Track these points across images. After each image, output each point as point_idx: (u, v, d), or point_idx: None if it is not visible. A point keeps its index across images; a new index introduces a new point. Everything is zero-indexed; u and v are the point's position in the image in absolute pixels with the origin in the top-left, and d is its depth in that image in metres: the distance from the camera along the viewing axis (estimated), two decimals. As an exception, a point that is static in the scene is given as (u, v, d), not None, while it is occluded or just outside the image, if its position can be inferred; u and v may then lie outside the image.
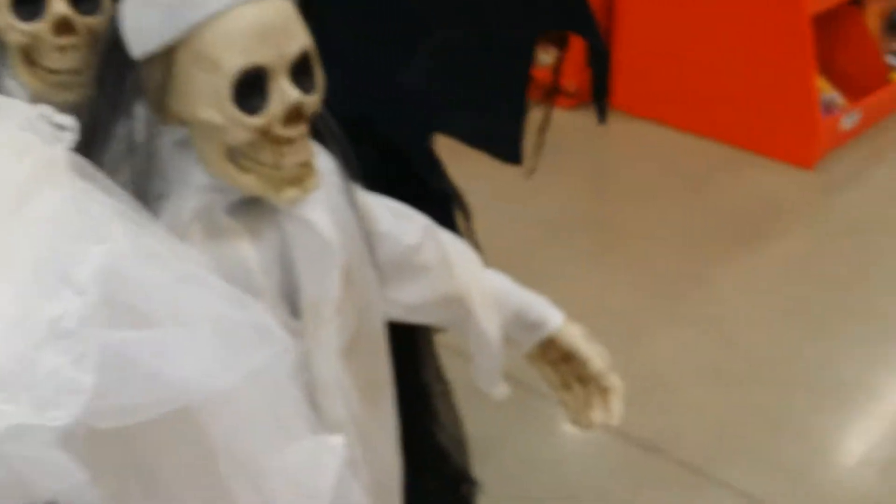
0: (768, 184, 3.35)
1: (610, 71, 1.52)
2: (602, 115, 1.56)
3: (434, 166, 1.54)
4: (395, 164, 1.53)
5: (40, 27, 1.26)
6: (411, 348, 1.65)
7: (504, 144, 1.57)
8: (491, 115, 1.51)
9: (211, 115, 1.00)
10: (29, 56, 1.29)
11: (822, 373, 2.46)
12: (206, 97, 0.99)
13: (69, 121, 0.76)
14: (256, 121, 0.99)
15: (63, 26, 1.26)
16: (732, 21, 3.48)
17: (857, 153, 3.51)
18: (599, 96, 1.55)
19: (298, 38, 1.01)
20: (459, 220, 1.60)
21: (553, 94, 1.53)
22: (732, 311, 2.71)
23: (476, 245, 1.51)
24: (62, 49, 1.27)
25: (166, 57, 0.99)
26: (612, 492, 2.13)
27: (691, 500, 2.12)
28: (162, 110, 1.03)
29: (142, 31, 0.99)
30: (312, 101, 1.04)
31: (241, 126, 1.00)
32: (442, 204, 1.54)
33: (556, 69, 1.53)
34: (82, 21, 1.27)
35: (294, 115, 1.01)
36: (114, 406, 0.56)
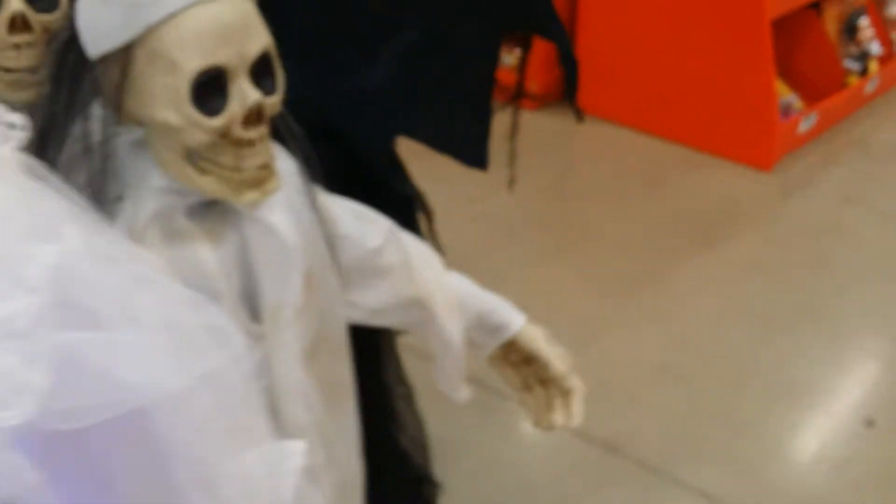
0: (726, 185, 3.38)
1: (579, 72, 1.53)
2: (578, 114, 1.57)
3: (396, 168, 1.54)
4: (355, 166, 1.52)
5: None
6: (372, 351, 1.65)
7: (469, 148, 1.57)
8: (455, 119, 1.51)
9: (169, 117, 0.98)
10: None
11: (776, 372, 2.50)
12: (164, 98, 0.98)
13: (20, 119, 0.75)
14: (215, 122, 0.98)
15: (18, 23, 1.23)
16: (692, 24, 3.51)
17: (813, 156, 3.56)
18: (571, 98, 1.56)
19: (258, 38, 1.00)
20: (422, 221, 1.59)
21: (519, 96, 1.53)
22: (688, 311, 2.74)
23: (438, 247, 1.51)
24: (17, 47, 1.24)
25: (123, 56, 0.97)
26: (571, 491, 2.15)
27: (650, 499, 2.14)
28: (119, 110, 1.01)
29: (98, 30, 0.97)
30: (273, 103, 1.02)
31: (200, 127, 0.98)
32: (403, 206, 1.53)
33: (521, 71, 1.53)
34: (38, 18, 1.25)
35: (254, 116, 1.00)
36: (66, 408, 0.55)
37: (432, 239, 1.56)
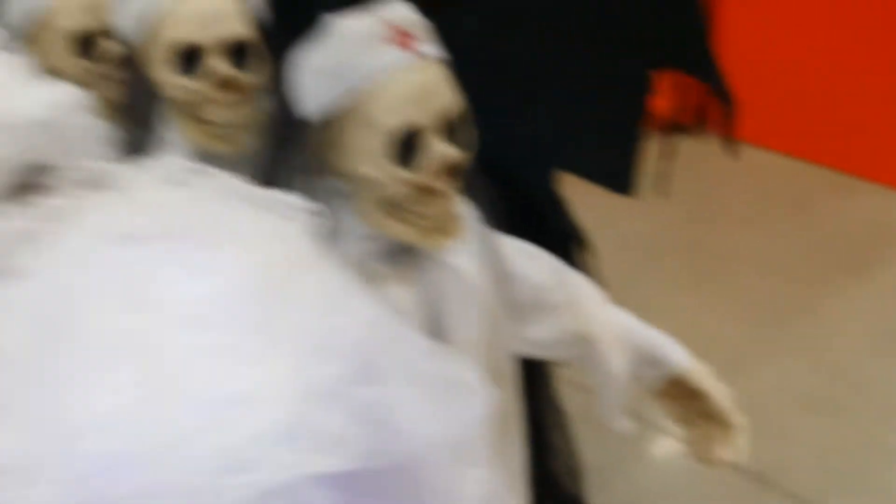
0: (876, 210, 3.31)
1: (735, 109, 1.57)
2: (733, 149, 1.61)
3: (557, 204, 1.61)
4: (517, 205, 1.60)
5: (201, 85, 1.37)
6: (528, 379, 1.71)
7: (618, 176, 1.63)
8: (606, 149, 1.58)
9: (369, 171, 1.08)
10: (191, 111, 1.40)
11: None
12: (366, 154, 1.08)
13: (301, 202, 0.85)
14: (413, 176, 1.07)
15: (229, 84, 1.36)
16: (841, 47, 3.46)
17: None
18: (729, 136, 1.60)
19: (451, 101, 1.09)
20: (582, 256, 1.65)
21: (675, 130, 1.59)
22: (838, 341, 2.70)
23: (599, 282, 1.57)
24: (227, 105, 1.37)
25: (330, 117, 1.08)
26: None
27: (802, 531, 2.12)
28: (323, 165, 1.12)
29: (310, 95, 1.08)
30: (465, 158, 1.11)
31: (398, 180, 1.08)
32: (564, 241, 1.60)
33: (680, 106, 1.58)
34: (246, 81, 1.38)
35: (450, 170, 1.09)
36: (362, 453, 0.64)
37: (593, 274, 1.62)
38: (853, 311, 2.82)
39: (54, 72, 1.39)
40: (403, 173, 1.08)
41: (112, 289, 0.60)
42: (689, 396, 1.41)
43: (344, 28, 1.05)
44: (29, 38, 1.51)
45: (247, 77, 1.38)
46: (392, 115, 1.06)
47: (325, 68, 1.06)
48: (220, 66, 1.36)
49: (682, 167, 3.49)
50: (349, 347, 0.66)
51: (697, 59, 1.52)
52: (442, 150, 1.08)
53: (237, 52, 1.37)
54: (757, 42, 3.70)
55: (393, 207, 1.11)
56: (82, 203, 0.71)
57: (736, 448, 1.39)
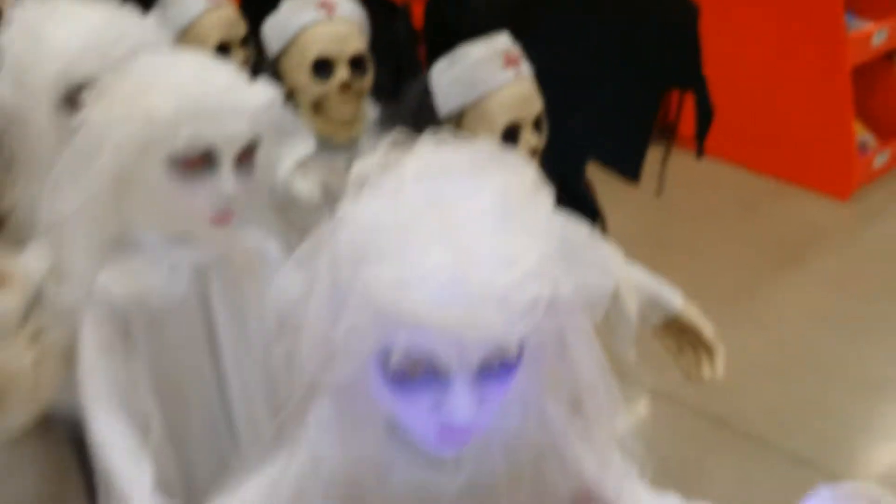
0: (809, 212, 3.86)
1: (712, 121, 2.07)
2: (700, 154, 2.11)
3: (587, 189, 2.09)
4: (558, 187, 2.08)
5: (329, 88, 1.82)
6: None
7: (630, 168, 2.12)
8: (624, 147, 2.07)
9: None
10: (318, 107, 1.84)
11: (857, 368, 2.96)
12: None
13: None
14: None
15: (346, 88, 1.81)
16: (781, 72, 3.97)
17: (886, 188, 4.03)
18: (701, 142, 2.10)
19: (538, 103, 1.56)
20: (604, 231, 2.13)
21: (672, 135, 2.09)
22: (781, 319, 3.21)
23: (613, 249, 2.04)
24: (344, 102, 1.82)
25: (458, 114, 1.53)
26: (685, 458, 2.63)
27: (751, 462, 2.61)
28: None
29: (447, 96, 1.53)
30: (542, 143, 1.57)
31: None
32: (591, 219, 2.07)
33: (677, 117, 2.08)
34: (358, 84, 1.83)
35: (533, 153, 1.55)
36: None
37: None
38: (793, 294, 3.35)
39: (294, 88, 1.79)
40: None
41: (421, 203, 0.99)
42: (683, 331, 1.88)
43: (473, 52, 1.51)
44: (280, 58, 1.86)
45: (361, 82, 1.83)
46: (504, 114, 1.51)
47: (460, 79, 1.51)
48: (344, 73, 1.81)
49: (649, 174, 4.03)
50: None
51: (693, 75, 2.02)
52: (531, 139, 1.54)
53: (356, 63, 1.82)
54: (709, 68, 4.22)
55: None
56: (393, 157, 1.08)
57: (717, 369, 1.86)
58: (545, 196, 1.01)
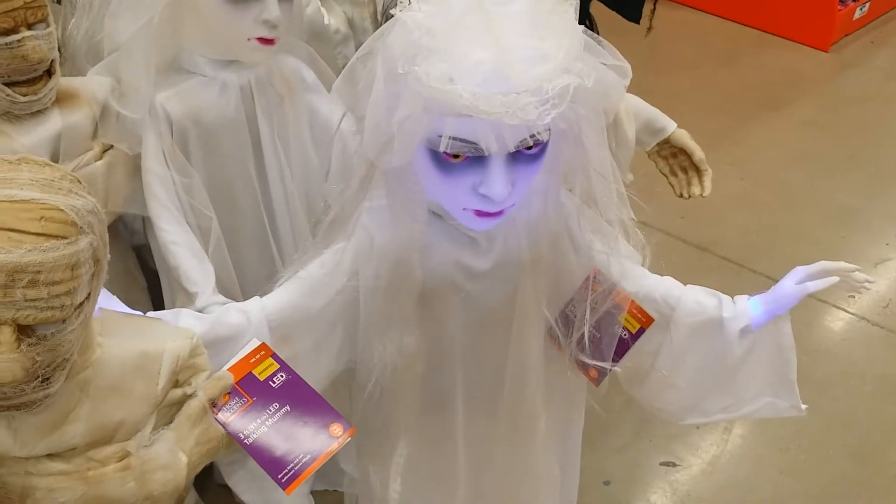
0: (791, 61, 4.02)
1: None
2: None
3: (592, 24, 2.25)
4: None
5: None
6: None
7: (630, 9, 2.27)
8: None
9: None
10: None
11: (828, 200, 3.21)
12: None
13: None
14: None
15: None
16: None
17: (864, 38, 4.18)
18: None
19: None
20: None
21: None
22: (760, 157, 3.43)
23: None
24: None
25: None
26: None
27: (731, 282, 2.87)
28: None
29: None
30: None
31: None
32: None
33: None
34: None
35: None
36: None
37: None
38: (770, 135, 3.56)
39: None
40: None
41: (465, 8, 1.15)
42: (675, 154, 2.07)
43: None
44: None
45: None
46: None
47: None
48: None
49: (632, 25, 4.15)
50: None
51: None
52: None
53: None
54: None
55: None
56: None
57: (706, 187, 2.06)
58: (570, 5, 1.18)
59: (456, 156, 1.16)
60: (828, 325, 2.70)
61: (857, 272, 1.39)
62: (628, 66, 1.23)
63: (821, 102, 3.78)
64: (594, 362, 1.41)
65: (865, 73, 3.99)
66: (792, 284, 1.39)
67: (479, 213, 1.21)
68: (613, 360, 1.41)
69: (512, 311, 1.37)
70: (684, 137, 2.04)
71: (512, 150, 1.15)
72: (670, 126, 2.04)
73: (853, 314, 2.74)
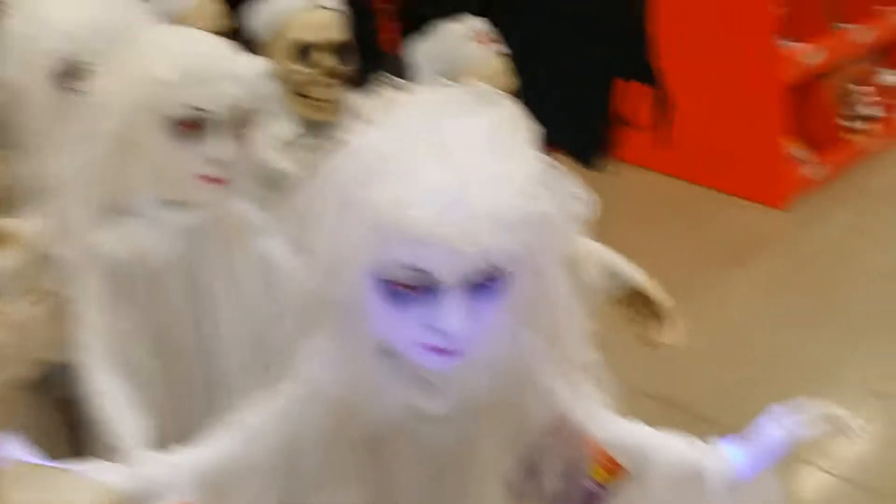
0: (749, 221, 4.08)
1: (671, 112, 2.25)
2: (660, 140, 2.28)
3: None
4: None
5: (312, 72, 1.93)
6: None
7: (585, 157, 2.28)
8: (581, 135, 2.23)
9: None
10: (300, 91, 1.96)
11: (798, 355, 3.16)
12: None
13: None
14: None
15: (331, 73, 1.93)
16: (721, 90, 4.19)
17: (820, 198, 4.27)
18: (664, 130, 2.27)
19: (512, 81, 1.69)
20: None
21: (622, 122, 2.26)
22: (724, 314, 3.40)
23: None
24: (328, 86, 1.94)
25: None
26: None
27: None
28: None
29: (424, 71, 1.65)
30: None
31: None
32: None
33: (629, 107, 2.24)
34: (341, 69, 1.95)
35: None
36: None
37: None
38: (735, 293, 3.55)
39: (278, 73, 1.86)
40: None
41: (420, 131, 1.11)
42: (640, 302, 2.02)
43: (450, 29, 1.64)
44: (265, 45, 1.95)
45: (342, 68, 1.95)
46: None
47: (439, 54, 1.64)
48: (326, 59, 1.93)
49: (598, 185, 4.22)
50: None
51: (647, 69, 2.19)
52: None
53: (338, 50, 1.94)
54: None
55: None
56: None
57: (674, 336, 2.00)
58: (529, 128, 1.13)
59: (409, 287, 1.08)
60: (805, 485, 2.58)
61: (849, 418, 1.30)
62: (590, 196, 1.17)
63: (783, 259, 3.81)
64: (563, 521, 1.29)
65: (825, 229, 4.04)
66: (777, 430, 1.30)
67: (435, 350, 1.12)
68: (585, 519, 1.29)
69: (469, 459, 1.26)
70: (648, 284, 2.00)
71: (469, 280, 1.07)
72: (632, 272, 2.00)
73: (835, 476, 2.64)
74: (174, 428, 1.64)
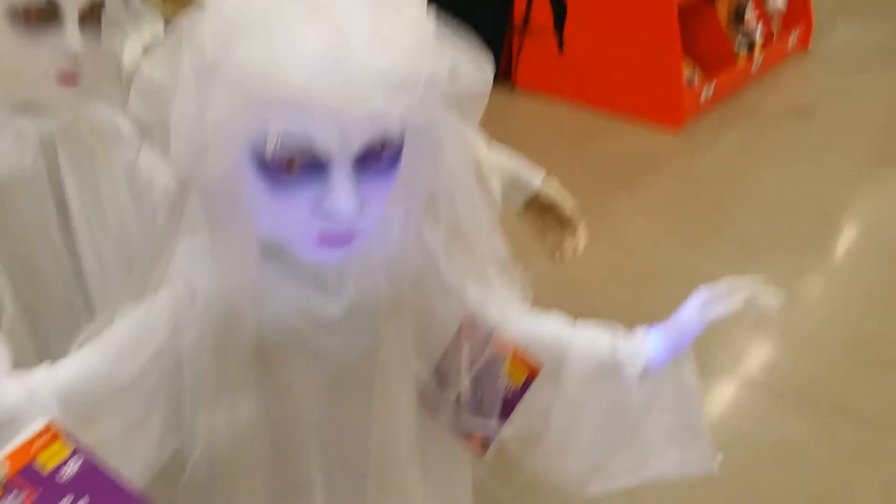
0: (645, 142, 4.05)
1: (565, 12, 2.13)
2: (560, 45, 2.16)
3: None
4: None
5: None
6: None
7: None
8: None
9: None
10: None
11: (692, 271, 3.12)
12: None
13: None
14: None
15: None
16: (615, 14, 4.13)
17: (712, 119, 4.27)
18: (560, 29, 2.15)
19: None
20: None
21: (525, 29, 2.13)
22: (625, 233, 3.37)
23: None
24: None
25: None
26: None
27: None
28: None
29: None
30: None
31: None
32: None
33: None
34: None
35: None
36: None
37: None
38: (633, 211, 3.51)
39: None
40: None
41: None
42: (545, 209, 1.92)
43: None
44: None
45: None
46: None
47: None
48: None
49: (494, 112, 4.13)
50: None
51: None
52: None
53: None
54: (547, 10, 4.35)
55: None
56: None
57: (579, 244, 1.91)
58: None
59: (290, 167, 0.93)
60: (716, 393, 2.57)
61: (767, 291, 1.22)
62: (489, 61, 1.04)
63: (677, 180, 3.80)
64: (477, 426, 1.18)
65: (715, 151, 4.05)
66: (693, 312, 1.22)
67: (325, 239, 0.98)
68: (499, 421, 1.18)
69: (373, 367, 1.13)
70: (553, 191, 1.90)
71: (357, 152, 0.93)
72: (537, 179, 1.90)
73: (741, 379, 2.63)
74: (36, 358, 1.47)
